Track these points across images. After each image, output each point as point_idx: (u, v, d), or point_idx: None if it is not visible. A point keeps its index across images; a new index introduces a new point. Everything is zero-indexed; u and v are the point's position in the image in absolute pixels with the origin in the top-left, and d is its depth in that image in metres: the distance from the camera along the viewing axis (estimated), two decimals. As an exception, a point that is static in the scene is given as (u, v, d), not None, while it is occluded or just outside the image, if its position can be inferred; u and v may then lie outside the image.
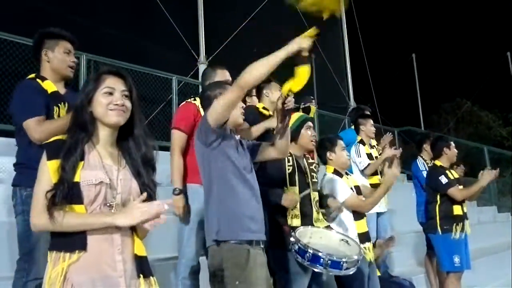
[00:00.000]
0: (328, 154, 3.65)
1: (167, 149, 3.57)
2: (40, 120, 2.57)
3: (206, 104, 2.68)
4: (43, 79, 2.72)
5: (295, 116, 3.39)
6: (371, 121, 5.07)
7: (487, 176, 4.41)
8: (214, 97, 2.61)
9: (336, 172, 3.64)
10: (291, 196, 3.05)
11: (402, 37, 20.47)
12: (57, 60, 2.75)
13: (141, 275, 1.80)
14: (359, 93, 12.66)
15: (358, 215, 3.60)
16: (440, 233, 4.48)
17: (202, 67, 8.17)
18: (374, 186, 4.68)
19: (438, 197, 4.55)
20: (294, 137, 3.28)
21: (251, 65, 2.31)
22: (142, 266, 1.82)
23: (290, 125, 3.29)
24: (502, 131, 21.80)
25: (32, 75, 2.76)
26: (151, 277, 1.84)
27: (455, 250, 4.42)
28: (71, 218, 1.68)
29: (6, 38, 5.51)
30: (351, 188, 3.62)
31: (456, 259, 4.40)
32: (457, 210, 4.48)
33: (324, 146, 3.70)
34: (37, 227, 1.73)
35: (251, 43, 9.76)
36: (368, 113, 5.37)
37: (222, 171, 2.50)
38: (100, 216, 1.72)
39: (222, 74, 3.37)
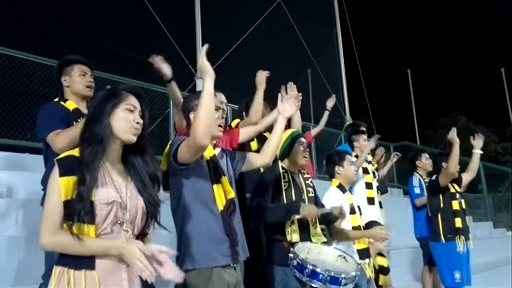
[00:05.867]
0: (336, 168, 3.72)
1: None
2: (58, 132, 2.69)
3: (185, 116, 2.63)
4: (65, 100, 2.92)
5: (287, 132, 3.40)
6: (365, 136, 5.02)
7: (452, 134, 4.51)
8: (190, 109, 2.55)
9: (340, 186, 3.68)
10: (309, 208, 3.05)
11: (398, 53, 20.70)
12: (75, 83, 2.94)
13: None
14: (355, 108, 12.75)
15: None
16: (444, 241, 4.48)
17: (199, 82, 8.21)
18: (370, 200, 4.69)
19: (441, 205, 4.56)
20: (287, 153, 3.32)
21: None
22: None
23: (282, 141, 3.33)
24: (498, 147, 21.91)
25: (56, 99, 2.95)
26: None
27: (457, 265, 4.41)
28: (87, 243, 1.65)
29: (6, 53, 5.52)
30: (352, 206, 3.64)
31: (457, 275, 4.38)
32: (458, 222, 4.50)
33: (333, 160, 3.77)
34: (46, 247, 1.68)
35: (248, 59, 9.84)
36: (363, 128, 5.36)
37: (193, 195, 2.40)
38: (111, 249, 1.69)
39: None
